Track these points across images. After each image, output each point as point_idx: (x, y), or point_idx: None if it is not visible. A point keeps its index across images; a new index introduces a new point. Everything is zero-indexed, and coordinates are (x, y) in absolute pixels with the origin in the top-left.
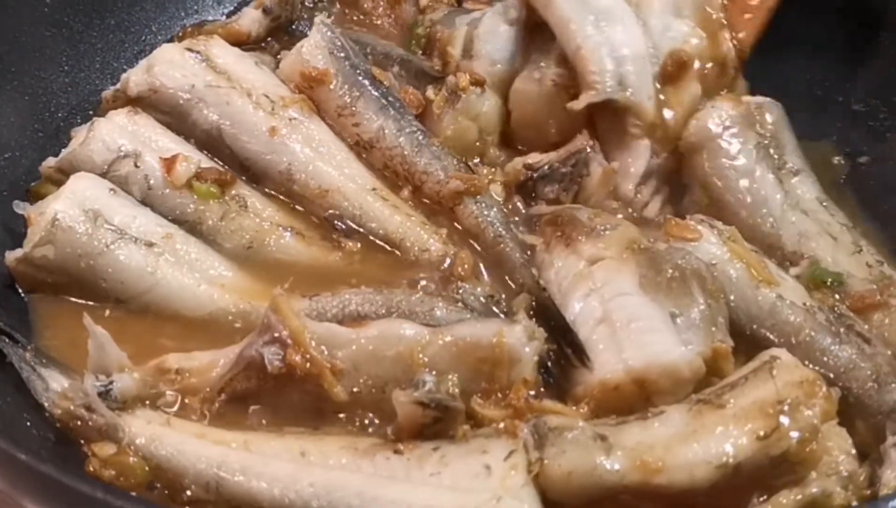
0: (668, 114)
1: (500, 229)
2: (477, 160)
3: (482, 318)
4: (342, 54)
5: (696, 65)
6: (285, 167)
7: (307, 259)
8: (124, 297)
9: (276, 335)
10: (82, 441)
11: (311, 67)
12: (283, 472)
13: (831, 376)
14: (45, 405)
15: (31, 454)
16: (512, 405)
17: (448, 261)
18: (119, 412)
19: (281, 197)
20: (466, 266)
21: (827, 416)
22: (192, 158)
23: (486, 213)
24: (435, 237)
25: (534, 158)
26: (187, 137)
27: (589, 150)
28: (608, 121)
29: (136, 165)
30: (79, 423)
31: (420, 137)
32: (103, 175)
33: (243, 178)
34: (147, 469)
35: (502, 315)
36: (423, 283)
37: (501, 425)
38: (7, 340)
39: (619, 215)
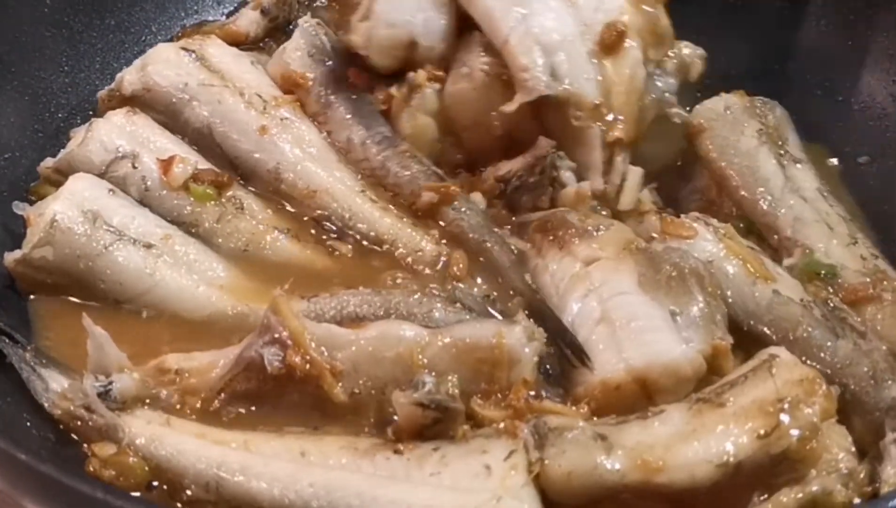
0: (610, 90)
1: (483, 234)
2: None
3: (481, 319)
4: (322, 58)
5: (633, 33)
6: (274, 166)
7: (303, 261)
8: (123, 298)
9: (276, 335)
10: (82, 441)
11: (291, 71)
12: (283, 472)
13: (828, 372)
14: (45, 405)
15: (31, 454)
16: (512, 406)
17: (442, 261)
18: (119, 413)
19: (271, 197)
20: (462, 266)
21: (826, 414)
22: (190, 160)
23: (466, 218)
24: (427, 238)
25: (503, 168)
26: (181, 136)
27: (553, 151)
28: (552, 114)
29: (134, 166)
30: (78, 423)
31: (385, 145)
32: (101, 176)
33: (238, 179)
34: (147, 469)
35: (499, 315)
36: (399, 280)
37: (501, 425)
38: (7, 340)
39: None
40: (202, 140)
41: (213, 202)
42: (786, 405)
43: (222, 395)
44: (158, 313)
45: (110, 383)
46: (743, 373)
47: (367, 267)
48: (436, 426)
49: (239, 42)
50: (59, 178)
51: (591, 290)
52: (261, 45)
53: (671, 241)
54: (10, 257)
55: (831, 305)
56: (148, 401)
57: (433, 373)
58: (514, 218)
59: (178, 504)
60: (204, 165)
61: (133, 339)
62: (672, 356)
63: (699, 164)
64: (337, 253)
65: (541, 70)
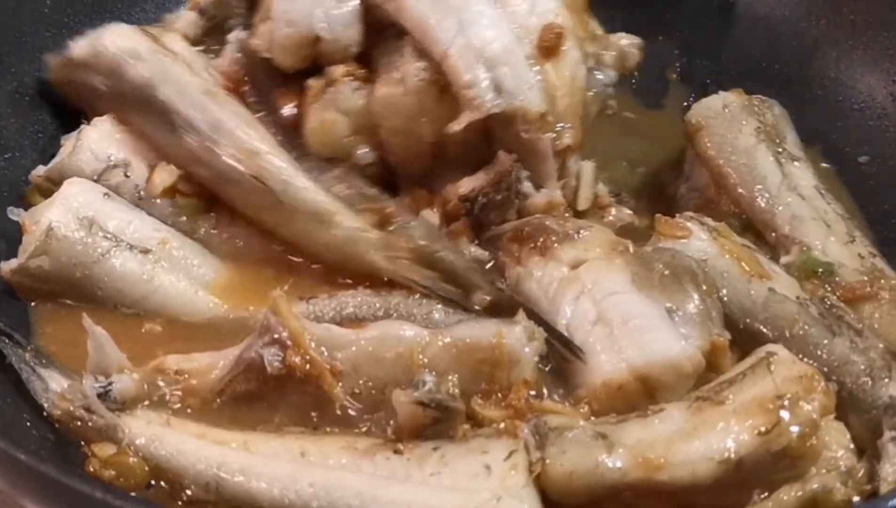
0: (554, 95)
1: (434, 242)
2: None
3: (481, 319)
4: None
5: (569, 33)
6: (213, 123)
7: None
8: (121, 304)
9: (276, 336)
10: (82, 442)
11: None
12: (283, 472)
13: (825, 370)
14: (45, 405)
15: (31, 454)
16: (512, 406)
17: (383, 242)
18: (118, 413)
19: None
20: (406, 245)
21: (826, 410)
22: (172, 169)
23: (412, 232)
24: (363, 220)
25: (464, 186)
26: (117, 96)
27: (515, 165)
28: (499, 127)
29: (127, 176)
30: (78, 424)
31: (318, 173)
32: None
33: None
34: (147, 469)
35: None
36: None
37: (502, 425)
38: (7, 340)
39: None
40: (140, 95)
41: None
42: (786, 402)
43: (222, 395)
44: (157, 318)
45: (110, 383)
46: (741, 371)
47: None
48: (436, 425)
49: None
50: (50, 186)
51: (583, 292)
52: (201, 47)
53: (666, 241)
54: (7, 266)
55: (828, 303)
56: (147, 402)
57: (433, 373)
58: (481, 234)
59: (179, 504)
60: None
61: (133, 341)
62: (672, 353)
63: (697, 162)
64: None
65: (486, 87)
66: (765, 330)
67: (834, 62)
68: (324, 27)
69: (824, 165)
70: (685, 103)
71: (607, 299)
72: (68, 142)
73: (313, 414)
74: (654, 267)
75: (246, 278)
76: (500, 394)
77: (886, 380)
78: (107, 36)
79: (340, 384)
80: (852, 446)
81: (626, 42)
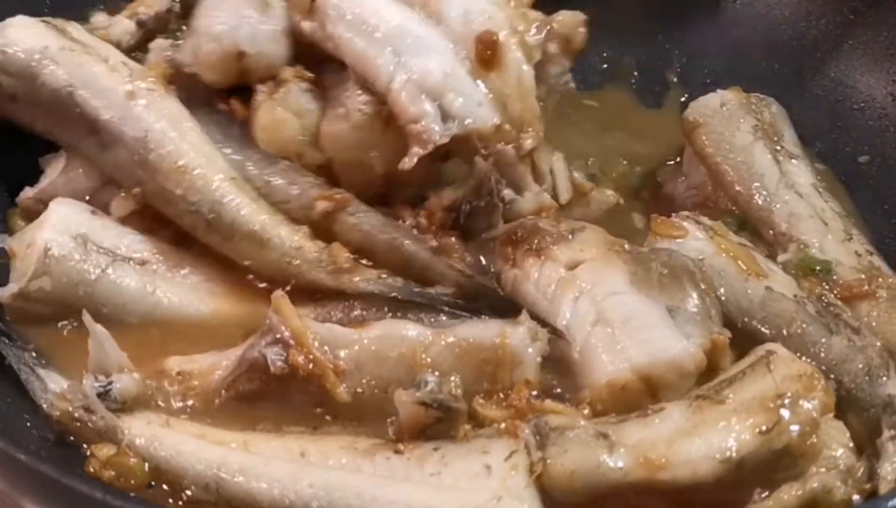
0: (504, 103)
1: (391, 231)
2: None
3: (484, 319)
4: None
5: (507, 36)
6: (141, 135)
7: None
8: (127, 320)
9: (279, 335)
10: (81, 443)
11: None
12: (283, 472)
13: (823, 368)
14: (44, 406)
15: (30, 454)
16: (513, 406)
17: (321, 256)
18: (118, 413)
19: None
20: (347, 256)
21: (826, 409)
22: (130, 197)
23: (367, 220)
24: (301, 234)
25: (446, 197)
26: (33, 102)
27: (492, 171)
28: (457, 148)
29: (120, 189)
30: (77, 424)
31: (265, 164)
32: (88, 204)
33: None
34: (147, 469)
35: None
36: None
37: (503, 425)
38: (6, 340)
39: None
40: (58, 105)
41: None
42: (786, 401)
43: (225, 396)
44: (164, 329)
45: (110, 383)
46: (741, 370)
47: None
48: (437, 425)
49: None
50: (39, 208)
51: (582, 292)
52: (131, 55)
53: (662, 241)
54: (7, 292)
55: (825, 301)
56: (149, 403)
57: (436, 373)
58: (470, 242)
59: (179, 505)
60: None
61: (133, 342)
62: (675, 352)
63: (695, 159)
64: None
65: (432, 118)
66: (762, 329)
67: (834, 62)
68: (247, 42)
69: (824, 164)
70: (682, 99)
71: (607, 300)
72: (54, 162)
73: (319, 410)
74: (652, 267)
75: (247, 280)
76: (501, 394)
77: (885, 379)
78: (11, 31)
79: (343, 383)
80: (852, 444)
81: (564, 18)
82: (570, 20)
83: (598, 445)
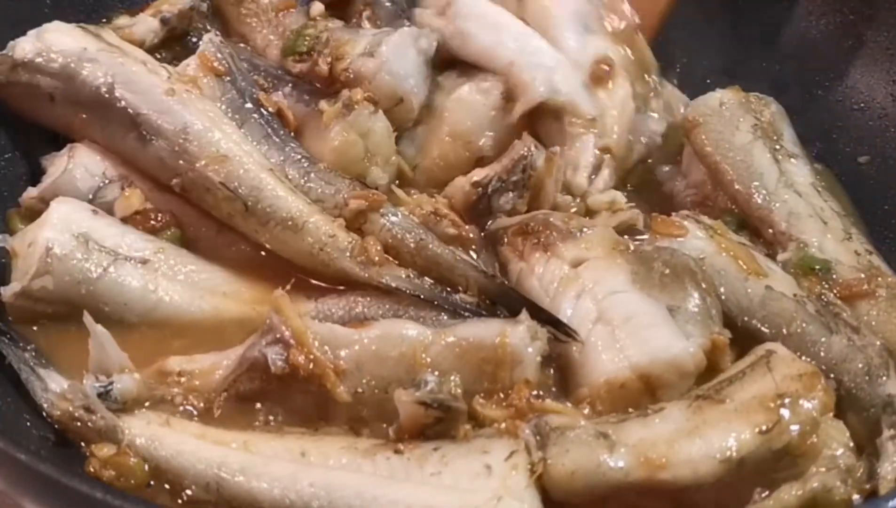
0: (604, 112)
1: (420, 233)
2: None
3: (484, 318)
4: (228, 78)
5: (621, 68)
6: (181, 127)
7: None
8: (129, 319)
9: (279, 335)
10: (80, 443)
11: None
12: (284, 472)
13: (823, 368)
14: (44, 406)
15: (30, 454)
16: (513, 405)
17: (354, 247)
18: (119, 413)
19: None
20: (379, 249)
21: (826, 409)
22: (136, 195)
23: (398, 222)
24: (335, 224)
25: (478, 174)
26: (73, 102)
27: (532, 151)
28: (548, 126)
29: (123, 189)
30: (78, 424)
31: (306, 164)
32: (90, 202)
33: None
34: (147, 469)
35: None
36: None
37: (503, 425)
38: (6, 340)
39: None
40: (99, 102)
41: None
42: (786, 401)
43: (225, 396)
44: (165, 328)
45: (111, 383)
46: (740, 369)
47: None
48: (438, 425)
49: None
50: (42, 207)
51: (584, 291)
52: (156, 55)
53: (662, 240)
54: (9, 290)
55: (825, 300)
56: (149, 403)
57: (436, 372)
58: (483, 231)
59: (179, 505)
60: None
61: (134, 342)
62: (674, 351)
63: (694, 158)
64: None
65: (541, 81)
66: (762, 328)
67: (834, 62)
68: (413, 93)
69: (824, 164)
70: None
71: (608, 299)
72: (56, 161)
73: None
74: (654, 266)
75: (251, 279)
76: (502, 394)
77: (884, 378)
78: (49, 35)
79: (343, 383)
80: (852, 444)
81: (671, 92)
82: (678, 96)
83: (599, 445)
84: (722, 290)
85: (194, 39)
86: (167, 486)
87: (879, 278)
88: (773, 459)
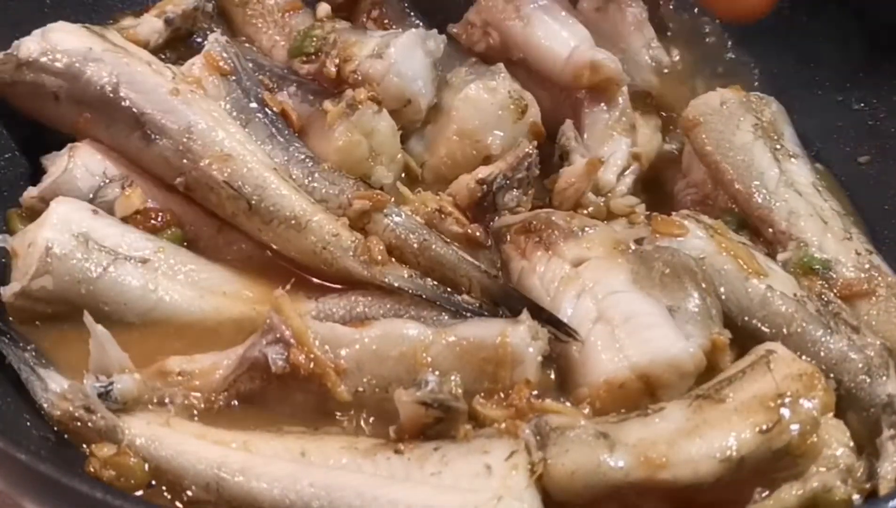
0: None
1: (424, 233)
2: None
3: (485, 318)
4: (233, 78)
5: None
6: (185, 126)
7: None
8: (128, 319)
9: (279, 335)
10: (80, 443)
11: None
12: (284, 472)
13: (823, 367)
14: (44, 406)
15: (30, 454)
16: (513, 405)
17: (357, 246)
18: (119, 413)
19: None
20: (381, 248)
21: (826, 408)
22: (137, 194)
23: (401, 222)
24: (339, 223)
25: (483, 172)
26: (77, 101)
27: (535, 150)
28: (594, 117)
29: (124, 188)
30: (78, 424)
31: (310, 164)
32: (91, 202)
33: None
34: (147, 469)
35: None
36: None
37: (503, 425)
38: (6, 340)
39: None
40: (103, 101)
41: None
42: (786, 400)
43: (225, 395)
44: (166, 328)
45: (111, 383)
46: (740, 369)
47: None
48: (438, 425)
49: None
50: (43, 207)
51: (584, 290)
52: (160, 55)
53: (662, 239)
54: (9, 290)
55: (825, 300)
56: (149, 403)
57: (437, 372)
58: (488, 228)
59: (179, 505)
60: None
61: (134, 342)
62: (674, 351)
63: (695, 158)
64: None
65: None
66: (762, 328)
67: (834, 62)
68: (421, 95)
69: (824, 164)
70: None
71: (608, 298)
72: (57, 161)
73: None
74: (654, 266)
75: (251, 278)
76: (502, 394)
77: (885, 378)
78: (54, 35)
79: (344, 382)
80: (852, 444)
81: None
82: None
83: (599, 445)
84: (722, 290)
85: (199, 40)
86: (167, 486)
87: (879, 278)
88: (773, 459)
